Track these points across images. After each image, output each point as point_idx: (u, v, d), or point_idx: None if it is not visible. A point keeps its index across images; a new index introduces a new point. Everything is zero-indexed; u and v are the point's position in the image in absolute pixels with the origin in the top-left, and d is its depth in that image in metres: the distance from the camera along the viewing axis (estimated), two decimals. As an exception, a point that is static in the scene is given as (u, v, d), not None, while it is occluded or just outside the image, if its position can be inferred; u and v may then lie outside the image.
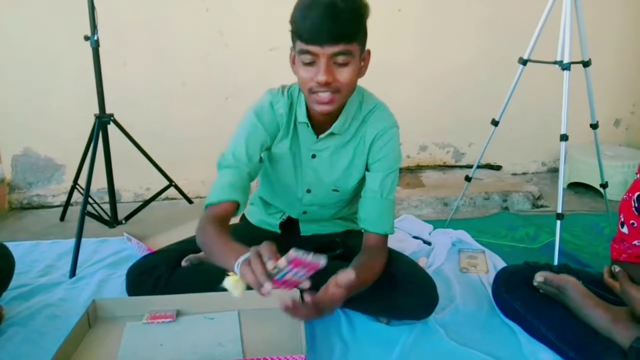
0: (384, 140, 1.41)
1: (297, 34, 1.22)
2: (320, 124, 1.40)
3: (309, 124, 1.40)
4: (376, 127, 1.41)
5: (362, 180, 1.47)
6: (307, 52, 1.22)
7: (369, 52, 1.33)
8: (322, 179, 1.47)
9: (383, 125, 1.41)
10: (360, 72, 1.32)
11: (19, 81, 2.48)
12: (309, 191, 1.52)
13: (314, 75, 1.23)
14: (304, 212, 1.59)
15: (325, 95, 1.25)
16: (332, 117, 1.37)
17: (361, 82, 1.38)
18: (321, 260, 0.98)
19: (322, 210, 1.58)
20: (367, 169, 1.44)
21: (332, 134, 1.40)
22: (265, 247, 1.05)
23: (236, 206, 1.33)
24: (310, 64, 1.23)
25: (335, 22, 1.17)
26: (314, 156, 1.44)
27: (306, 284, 1.05)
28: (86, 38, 1.96)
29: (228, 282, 1.09)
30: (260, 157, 1.43)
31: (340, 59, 1.22)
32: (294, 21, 1.22)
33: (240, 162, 1.36)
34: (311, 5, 1.18)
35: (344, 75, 1.24)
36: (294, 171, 1.48)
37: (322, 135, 1.40)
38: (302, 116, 1.39)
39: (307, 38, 1.20)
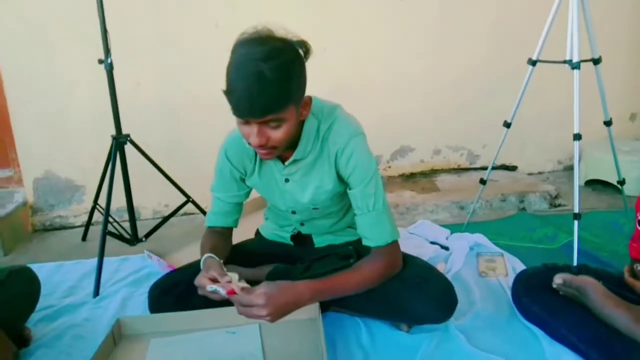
0: (348, 153, 1.35)
1: (228, 101, 1.19)
2: (284, 151, 1.37)
3: None
4: (337, 143, 1.36)
5: (338, 193, 1.46)
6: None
7: (309, 99, 1.29)
8: (299, 201, 1.47)
9: (343, 138, 1.36)
10: (302, 116, 1.29)
11: (36, 106, 2.54)
12: (294, 212, 1.54)
13: (249, 133, 1.22)
14: (302, 224, 1.60)
15: (262, 152, 1.27)
16: (293, 145, 1.35)
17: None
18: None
19: (319, 222, 1.58)
20: (346, 183, 1.42)
21: (295, 160, 1.39)
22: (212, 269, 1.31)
23: (228, 227, 1.57)
24: (244, 123, 1.22)
25: (259, 99, 1.14)
26: (287, 180, 1.45)
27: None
28: (100, 61, 2.01)
29: None
30: (242, 183, 1.52)
31: (271, 124, 1.20)
32: (225, 86, 1.19)
33: (220, 193, 1.52)
34: (236, 78, 1.16)
35: (278, 135, 1.22)
36: (274, 196, 1.51)
37: (287, 163, 1.40)
38: None
39: (235, 112, 1.19)
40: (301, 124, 1.34)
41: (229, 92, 1.17)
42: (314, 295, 1.32)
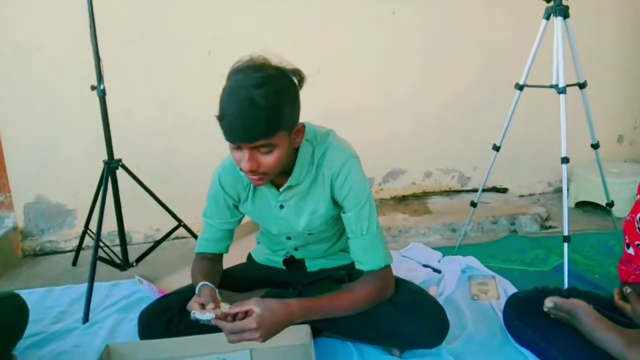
0: (342, 178, 1.37)
1: (220, 126, 1.21)
2: (278, 178, 1.39)
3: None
4: (331, 168, 1.37)
5: (333, 217, 1.46)
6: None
7: (302, 126, 1.30)
8: (293, 227, 1.48)
9: (337, 163, 1.37)
10: (295, 144, 1.30)
11: (28, 131, 2.54)
12: (288, 238, 1.54)
13: (240, 158, 1.23)
14: (296, 249, 1.61)
15: (254, 178, 1.28)
16: (287, 171, 1.36)
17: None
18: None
19: (314, 247, 1.59)
20: (342, 212, 1.42)
21: (290, 186, 1.40)
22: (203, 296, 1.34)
23: (219, 253, 1.56)
24: (236, 148, 1.23)
25: (250, 124, 1.16)
26: (281, 207, 1.45)
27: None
28: (93, 88, 2.02)
29: None
30: (235, 210, 1.52)
31: (263, 149, 1.21)
32: (218, 111, 1.21)
33: (213, 219, 1.52)
34: (229, 103, 1.18)
35: (269, 161, 1.23)
36: (269, 222, 1.51)
37: (281, 189, 1.41)
38: None
39: (226, 137, 1.20)
40: (295, 150, 1.35)
41: (221, 117, 1.19)
42: (305, 313, 1.32)
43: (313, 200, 1.42)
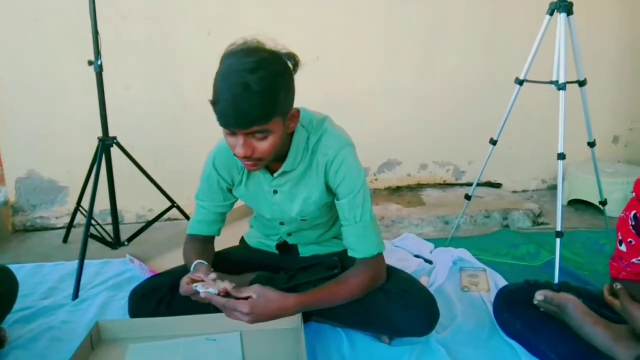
0: (337, 165, 1.36)
1: (214, 111, 1.19)
2: (272, 163, 1.38)
3: None
4: (326, 155, 1.36)
5: (326, 204, 1.46)
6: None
7: (296, 111, 1.29)
8: (287, 213, 1.47)
9: (332, 150, 1.36)
10: (289, 129, 1.29)
11: (22, 104, 2.51)
12: (282, 223, 1.54)
13: (234, 144, 1.22)
14: (289, 235, 1.60)
15: (248, 163, 1.27)
16: (281, 156, 1.35)
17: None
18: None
19: (307, 233, 1.58)
20: (336, 199, 1.41)
21: (284, 172, 1.39)
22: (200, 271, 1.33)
23: (210, 235, 1.56)
24: (230, 133, 1.22)
25: (244, 110, 1.14)
26: (275, 192, 1.44)
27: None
28: (90, 63, 2.00)
29: None
30: (229, 194, 1.51)
31: (258, 135, 1.20)
32: (212, 96, 1.19)
33: (205, 202, 1.51)
34: (222, 89, 1.16)
35: (263, 146, 1.22)
36: (262, 207, 1.51)
37: (275, 174, 1.40)
38: None
39: (220, 122, 1.19)
40: (290, 135, 1.34)
41: (215, 103, 1.17)
42: (299, 309, 1.33)
43: (307, 186, 1.42)
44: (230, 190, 1.51)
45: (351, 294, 1.38)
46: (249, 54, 1.17)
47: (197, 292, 1.25)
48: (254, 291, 1.26)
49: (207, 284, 1.26)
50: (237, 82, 1.13)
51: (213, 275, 1.29)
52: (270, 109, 1.18)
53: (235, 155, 1.25)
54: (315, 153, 1.38)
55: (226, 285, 1.25)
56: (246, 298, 1.25)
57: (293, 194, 1.43)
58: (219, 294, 1.24)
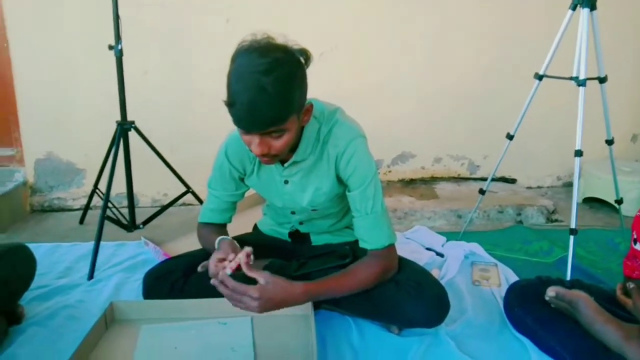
0: (348, 156, 1.36)
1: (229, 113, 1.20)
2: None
3: None
4: (337, 146, 1.37)
5: (337, 195, 1.47)
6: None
7: (310, 105, 1.29)
8: (297, 202, 1.48)
9: (342, 142, 1.36)
10: (303, 122, 1.30)
11: (43, 87, 2.55)
12: (293, 212, 1.55)
13: (250, 141, 1.22)
14: (301, 223, 1.61)
15: (264, 159, 1.27)
16: (293, 147, 1.35)
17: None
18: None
19: (319, 222, 1.59)
20: (345, 186, 1.42)
21: (295, 162, 1.39)
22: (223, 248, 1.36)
23: (222, 223, 1.58)
24: (246, 132, 1.22)
25: (261, 113, 1.14)
26: (286, 182, 1.45)
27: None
28: (110, 47, 2.01)
29: None
30: (241, 183, 1.52)
31: (274, 134, 1.21)
32: (226, 97, 1.19)
33: (218, 190, 1.53)
34: (237, 91, 1.15)
35: (279, 144, 1.23)
36: (273, 197, 1.52)
37: (286, 164, 1.40)
38: None
39: (236, 124, 1.20)
40: (302, 127, 1.34)
41: (230, 105, 1.17)
42: (309, 297, 1.34)
43: (318, 177, 1.42)
44: (242, 180, 1.52)
45: (361, 284, 1.39)
46: (262, 54, 1.16)
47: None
48: (264, 277, 1.27)
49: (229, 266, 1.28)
50: (252, 86, 1.13)
51: (232, 255, 1.30)
52: (286, 110, 1.18)
53: (251, 151, 1.26)
54: (326, 144, 1.38)
55: (247, 250, 1.29)
56: (255, 282, 1.26)
57: (304, 184, 1.44)
58: (233, 272, 1.26)
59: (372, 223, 1.39)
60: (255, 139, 1.21)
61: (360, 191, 1.37)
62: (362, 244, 1.43)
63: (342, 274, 1.39)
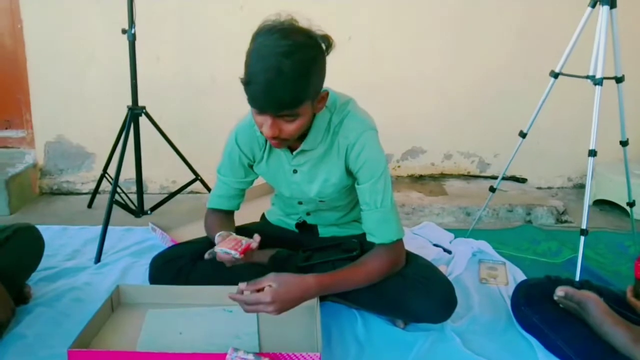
0: (359, 149, 1.34)
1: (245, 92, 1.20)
2: (294, 142, 1.37)
3: None
4: (347, 138, 1.35)
5: (346, 187, 1.45)
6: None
7: (325, 93, 1.28)
8: (305, 193, 1.47)
9: (353, 133, 1.35)
10: (317, 110, 1.29)
11: (55, 71, 2.55)
12: (300, 202, 1.54)
13: (262, 122, 1.21)
14: (308, 214, 1.60)
15: (273, 142, 1.26)
16: (302, 136, 1.34)
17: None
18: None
19: (326, 214, 1.58)
20: (357, 183, 1.41)
21: (303, 150, 1.38)
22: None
23: (230, 210, 1.57)
24: (259, 113, 1.21)
25: (276, 94, 1.14)
26: (295, 171, 1.44)
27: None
28: (124, 31, 2.01)
29: None
30: (250, 170, 1.51)
31: (287, 118, 1.20)
32: (243, 75, 1.18)
33: (227, 176, 1.51)
34: (256, 71, 1.15)
35: (291, 128, 1.22)
36: (281, 186, 1.51)
37: (295, 152, 1.39)
38: None
39: (251, 103, 1.19)
40: (314, 114, 1.33)
41: (247, 83, 1.16)
42: (320, 289, 1.32)
43: (327, 168, 1.41)
44: (251, 167, 1.51)
45: (368, 277, 1.38)
46: (284, 35, 1.15)
47: (225, 254, 1.28)
48: (271, 280, 1.25)
49: (225, 243, 1.30)
50: (271, 66, 1.12)
51: (233, 235, 1.32)
52: (302, 94, 1.17)
53: (261, 133, 1.25)
54: (336, 135, 1.37)
55: (251, 241, 1.29)
56: (263, 268, 1.26)
57: (312, 175, 1.43)
58: (241, 253, 1.27)
59: (381, 217, 1.38)
60: (267, 120, 1.20)
61: (370, 185, 1.36)
62: (369, 238, 1.42)
63: (351, 267, 1.38)
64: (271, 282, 1.24)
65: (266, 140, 1.40)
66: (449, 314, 1.44)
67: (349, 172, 1.41)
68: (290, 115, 1.19)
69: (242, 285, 1.25)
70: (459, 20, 2.73)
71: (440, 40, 2.75)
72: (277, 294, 1.23)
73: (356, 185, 1.40)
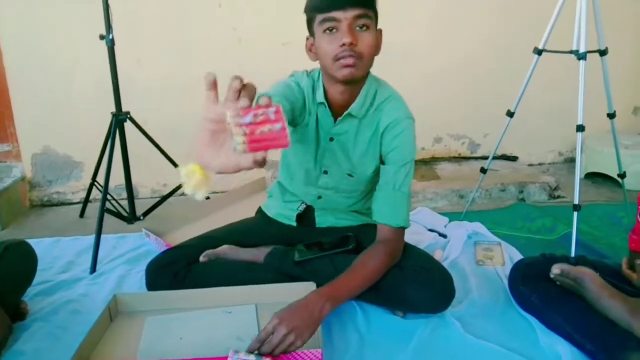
0: (397, 131, 1.40)
1: (317, 7, 1.28)
2: (338, 108, 1.41)
3: (327, 105, 1.41)
4: (389, 116, 1.41)
5: (377, 171, 1.47)
6: (329, 19, 1.26)
7: (380, 31, 1.35)
8: (338, 162, 1.49)
9: (396, 115, 1.41)
10: (377, 46, 1.34)
11: (36, 81, 2.52)
12: (325, 172, 1.53)
13: (337, 41, 1.26)
14: (319, 197, 1.59)
15: (350, 60, 1.27)
16: (350, 99, 1.39)
17: (374, 67, 1.39)
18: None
19: (337, 196, 1.58)
20: (382, 162, 1.44)
21: (349, 115, 1.40)
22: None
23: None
24: (333, 31, 1.27)
25: None
26: (332, 139, 1.46)
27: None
28: (101, 37, 1.98)
29: (183, 170, 0.84)
30: (291, 113, 1.35)
31: (361, 21, 1.26)
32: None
33: (276, 95, 1.32)
34: None
35: (365, 40, 1.28)
36: (313, 150, 1.49)
37: (340, 118, 1.42)
38: (320, 97, 1.41)
39: (328, 4, 1.24)
40: (363, 79, 1.38)
41: None
42: (327, 299, 1.26)
43: (364, 142, 1.44)
44: (294, 119, 1.39)
45: (371, 277, 1.38)
46: None
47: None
48: (274, 317, 1.20)
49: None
50: None
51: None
52: None
53: (334, 57, 1.27)
54: (379, 112, 1.42)
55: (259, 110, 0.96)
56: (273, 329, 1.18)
57: (349, 146, 1.46)
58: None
59: (395, 199, 1.41)
60: (343, 28, 1.24)
61: (395, 168, 1.41)
62: (376, 217, 1.43)
63: (351, 269, 1.36)
64: (273, 318, 1.20)
65: (311, 100, 1.41)
66: (447, 304, 1.45)
67: (381, 156, 1.45)
68: (365, 16, 1.25)
69: (252, 346, 1.18)
70: (441, 3, 2.71)
71: (423, 23, 2.73)
72: (281, 316, 1.19)
73: (381, 165, 1.43)
